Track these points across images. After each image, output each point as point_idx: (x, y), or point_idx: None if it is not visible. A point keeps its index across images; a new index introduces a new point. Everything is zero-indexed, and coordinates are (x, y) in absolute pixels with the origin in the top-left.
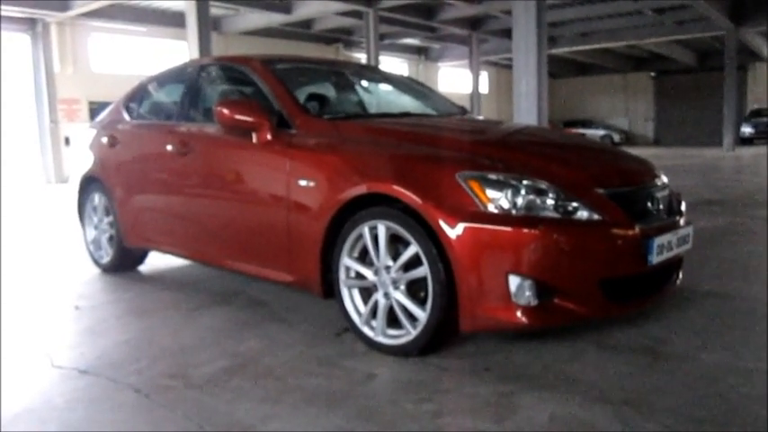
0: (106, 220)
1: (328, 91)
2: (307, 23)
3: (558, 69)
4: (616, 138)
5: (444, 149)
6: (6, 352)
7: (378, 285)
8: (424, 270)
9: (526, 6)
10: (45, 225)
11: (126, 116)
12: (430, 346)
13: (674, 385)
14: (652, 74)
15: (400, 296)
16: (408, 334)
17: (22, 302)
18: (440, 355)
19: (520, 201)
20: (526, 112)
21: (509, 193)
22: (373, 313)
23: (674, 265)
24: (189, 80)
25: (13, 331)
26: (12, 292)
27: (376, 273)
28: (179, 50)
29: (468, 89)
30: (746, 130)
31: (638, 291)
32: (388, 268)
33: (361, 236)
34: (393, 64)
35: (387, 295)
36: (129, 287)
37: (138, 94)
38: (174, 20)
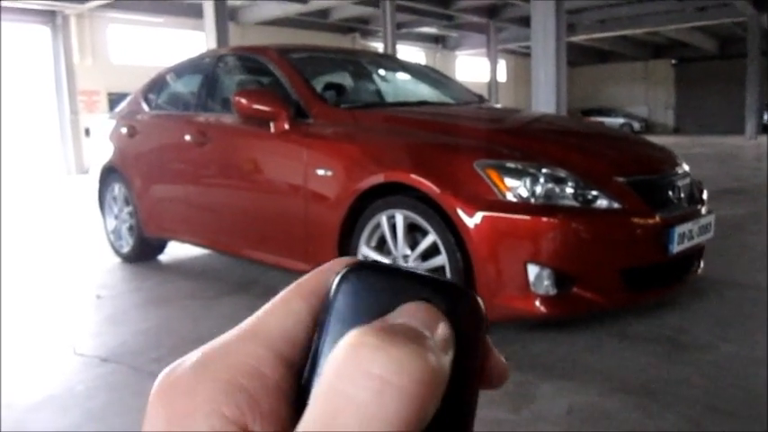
0: (126, 210)
1: (345, 80)
2: (323, 13)
3: (577, 57)
4: (636, 126)
5: (462, 138)
6: (30, 340)
7: None
8: (442, 259)
9: None
10: (66, 215)
11: (145, 107)
12: None
13: (693, 375)
14: (672, 61)
15: None
16: None
17: (45, 292)
18: None
19: (539, 189)
20: (544, 100)
21: (528, 181)
22: None
23: (694, 254)
24: (207, 71)
25: (36, 320)
26: (34, 282)
27: (394, 262)
28: (196, 41)
29: (486, 78)
30: None
31: (658, 280)
32: (405, 257)
33: (378, 225)
34: (410, 53)
35: None
36: (149, 276)
37: (157, 85)
38: (191, 11)
